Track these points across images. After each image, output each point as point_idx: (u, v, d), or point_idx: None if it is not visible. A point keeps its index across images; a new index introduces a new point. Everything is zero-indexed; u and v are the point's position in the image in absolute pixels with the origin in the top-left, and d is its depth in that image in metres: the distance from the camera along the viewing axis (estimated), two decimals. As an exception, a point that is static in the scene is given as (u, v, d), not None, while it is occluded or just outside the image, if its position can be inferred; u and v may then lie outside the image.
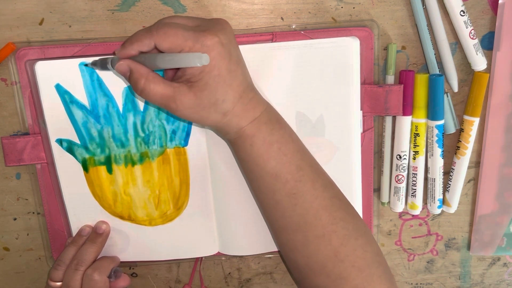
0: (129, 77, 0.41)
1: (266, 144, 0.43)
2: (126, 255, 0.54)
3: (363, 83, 0.50)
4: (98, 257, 0.52)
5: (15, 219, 0.55)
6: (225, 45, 0.39)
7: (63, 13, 0.48)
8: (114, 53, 0.44)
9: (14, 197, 0.54)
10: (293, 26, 0.49)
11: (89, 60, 0.47)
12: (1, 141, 0.51)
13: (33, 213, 0.55)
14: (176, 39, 0.38)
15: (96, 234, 0.52)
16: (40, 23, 0.48)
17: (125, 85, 0.48)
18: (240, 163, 0.46)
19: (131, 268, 0.58)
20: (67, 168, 0.50)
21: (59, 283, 0.49)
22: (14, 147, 0.50)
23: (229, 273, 0.59)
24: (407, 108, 0.50)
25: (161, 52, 0.40)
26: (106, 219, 0.53)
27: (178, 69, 0.42)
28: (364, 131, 0.52)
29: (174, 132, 0.50)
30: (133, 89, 0.41)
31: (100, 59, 0.44)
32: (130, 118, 0.49)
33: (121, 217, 0.53)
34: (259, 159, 0.43)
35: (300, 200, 0.43)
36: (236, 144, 0.44)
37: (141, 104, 0.49)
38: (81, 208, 0.52)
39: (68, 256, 0.50)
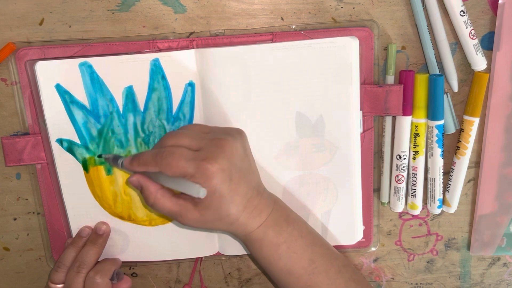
0: (140, 191, 0.44)
1: (274, 246, 0.45)
2: (126, 255, 0.54)
3: (363, 83, 0.50)
4: (100, 258, 0.52)
5: (15, 219, 0.55)
6: (226, 170, 0.41)
7: (63, 13, 0.48)
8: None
9: (14, 197, 0.54)
10: (293, 26, 0.49)
11: (89, 60, 0.47)
12: (1, 141, 0.51)
13: (33, 213, 0.55)
14: (177, 170, 0.41)
15: (97, 235, 0.51)
16: (40, 23, 0.48)
17: (126, 86, 0.48)
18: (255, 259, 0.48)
19: (131, 268, 0.58)
20: (67, 168, 0.50)
21: (60, 286, 0.49)
22: (14, 147, 0.50)
23: (229, 273, 0.59)
24: (407, 108, 0.50)
25: None
26: (106, 219, 0.53)
27: None
28: (364, 131, 0.52)
29: (174, 132, 0.50)
30: (145, 201, 0.44)
31: (113, 156, 0.47)
32: (130, 118, 0.49)
33: (121, 217, 0.53)
34: (270, 259, 0.45)
35: None
36: (246, 245, 0.46)
37: (141, 104, 0.49)
38: (81, 208, 0.52)
39: (69, 258, 0.50)
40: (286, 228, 0.45)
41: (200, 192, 0.40)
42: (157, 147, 0.44)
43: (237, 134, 0.45)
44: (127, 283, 0.52)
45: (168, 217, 0.45)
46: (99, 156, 0.50)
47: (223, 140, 0.43)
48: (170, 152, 0.42)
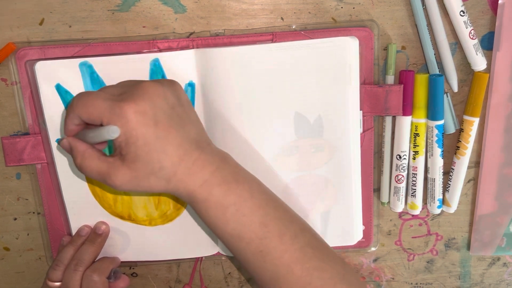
0: (70, 153, 0.41)
1: (222, 208, 0.40)
2: (126, 255, 0.54)
3: (363, 83, 0.50)
4: (98, 257, 0.52)
5: (15, 219, 0.55)
6: (147, 112, 0.38)
7: (63, 13, 0.48)
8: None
9: (14, 197, 0.54)
10: (293, 26, 0.49)
11: (89, 60, 0.47)
12: (1, 141, 0.51)
13: (33, 213, 0.55)
14: (93, 110, 0.38)
15: (96, 235, 0.52)
16: (40, 23, 0.49)
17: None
18: None
19: (131, 268, 0.58)
20: (67, 168, 0.50)
21: (57, 283, 0.49)
22: (14, 147, 0.50)
23: (229, 273, 0.59)
24: (407, 108, 0.50)
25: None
26: (106, 219, 0.53)
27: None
28: (364, 131, 0.52)
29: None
30: (74, 163, 0.41)
31: (60, 139, 0.44)
32: (130, 118, 0.49)
33: (121, 217, 0.53)
34: (217, 222, 0.41)
35: (269, 257, 0.41)
36: (192, 207, 0.42)
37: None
38: (81, 208, 0.52)
39: (67, 256, 0.50)
40: (235, 188, 0.40)
41: (110, 130, 0.36)
42: None
43: (167, 82, 0.41)
44: (124, 282, 0.52)
45: (98, 181, 0.40)
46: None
47: (147, 83, 0.39)
48: (88, 92, 0.39)
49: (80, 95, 0.39)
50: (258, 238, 0.40)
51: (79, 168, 0.40)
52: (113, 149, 0.40)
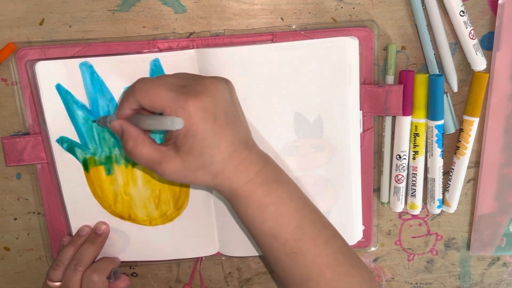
0: (120, 137, 0.41)
1: (262, 207, 0.41)
2: (126, 255, 0.54)
3: (363, 83, 0.50)
4: (98, 257, 0.52)
5: (15, 219, 0.55)
6: (208, 108, 0.39)
7: (63, 13, 0.48)
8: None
9: (14, 197, 0.54)
10: (293, 26, 0.49)
11: (89, 60, 0.47)
12: (2, 141, 0.51)
13: (34, 213, 0.55)
14: (157, 98, 0.38)
15: (96, 235, 0.52)
16: (41, 23, 0.49)
17: (126, 86, 0.48)
18: (240, 220, 0.45)
19: (131, 268, 0.58)
20: (68, 168, 0.50)
21: (57, 283, 0.49)
22: (15, 147, 0.50)
23: (229, 273, 0.59)
24: (407, 108, 0.50)
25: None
26: (106, 219, 0.53)
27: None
28: (364, 131, 0.52)
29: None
30: (123, 149, 0.41)
31: (102, 117, 0.45)
32: (130, 118, 0.49)
33: (121, 217, 0.53)
34: (255, 220, 0.42)
35: (301, 259, 0.42)
36: (232, 204, 0.43)
37: (141, 104, 0.49)
38: (82, 208, 0.52)
39: (67, 256, 0.50)
40: (275, 189, 0.42)
41: (175, 122, 0.37)
42: None
43: (224, 80, 0.42)
44: (124, 283, 0.52)
45: (147, 168, 0.41)
46: (93, 121, 0.48)
47: (208, 79, 0.41)
48: (151, 80, 0.39)
49: (144, 81, 0.40)
50: (293, 239, 0.42)
51: (129, 152, 0.41)
52: (165, 139, 0.41)
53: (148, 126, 0.40)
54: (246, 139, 0.42)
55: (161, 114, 0.40)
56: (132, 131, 0.41)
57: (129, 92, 0.40)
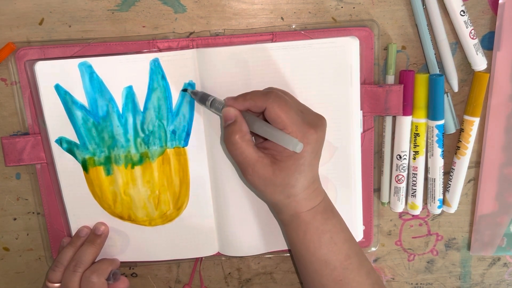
0: (228, 124, 0.43)
1: (319, 233, 0.45)
2: (126, 256, 0.54)
3: (363, 83, 0.50)
4: (98, 258, 0.52)
5: (15, 219, 0.55)
6: (319, 142, 0.43)
7: (63, 13, 0.48)
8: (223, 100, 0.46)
9: (14, 197, 0.54)
10: (293, 26, 0.49)
11: (89, 60, 0.47)
12: (1, 141, 0.51)
13: (33, 213, 0.55)
14: (286, 117, 0.41)
15: (95, 236, 0.51)
16: (40, 23, 0.48)
17: (125, 86, 0.48)
18: (290, 245, 0.47)
19: (131, 268, 0.58)
20: (67, 168, 0.50)
21: (57, 285, 0.49)
22: (14, 147, 0.50)
23: (229, 273, 0.59)
24: (407, 108, 0.50)
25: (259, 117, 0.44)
26: (106, 219, 0.53)
27: (266, 139, 0.44)
28: (364, 131, 0.52)
29: (174, 132, 0.50)
30: (225, 136, 0.43)
31: (202, 93, 0.47)
32: (130, 119, 0.49)
33: (121, 218, 0.53)
34: (310, 245, 0.45)
35: (346, 287, 0.45)
36: (289, 227, 0.46)
37: (141, 104, 0.49)
38: (81, 208, 0.52)
39: (66, 257, 0.50)
40: (332, 218, 0.45)
41: (298, 146, 0.40)
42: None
43: (325, 119, 0.45)
44: (124, 284, 0.52)
45: (237, 164, 0.43)
46: (184, 90, 0.48)
47: (322, 116, 0.45)
48: (283, 96, 0.42)
49: (279, 95, 0.42)
50: (341, 267, 0.45)
51: (232, 143, 0.42)
52: (262, 145, 0.44)
53: (264, 133, 0.42)
54: (318, 172, 0.46)
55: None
56: (243, 126, 0.43)
57: (261, 96, 0.42)
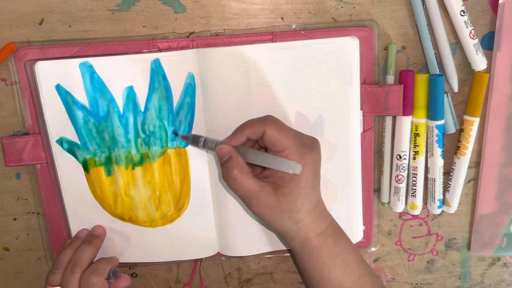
0: (224, 162, 0.43)
1: (332, 256, 0.45)
2: (127, 256, 0.54)
3: (363, 83, 0.50)
4: (96, 259, 0.52)
5: (15, 219, 0.55)
6: (317, 163, 0.43)
7: (63, 13, 0.48)
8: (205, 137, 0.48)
9: (14, 197, 0.54)
10: (293, 26, 0.49)
11: (89, 60, 0.47)
12: (1, 141, 0.50)
13: (33, 213, 0.55)
14: (285, 139, 0.42)
15: (92, 236, 0.51)
16: (40, 23, 0.48)
17: (126, 86, 0.48)
18: (303, 271, 0.47)
19: (131, 268, 0.58)
20: (68, 169, 0.50)
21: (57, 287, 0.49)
22: (14, 147, 0.50)
23: (229, 273, 0.59)
24: (407, 108, 0.50)
25: (258, 145, 0.45)
26: (107, 220, 0.52)
27: (265, 168, 0.44)
28: (364, 131, 0.52)
29: (174, 132, 0.50)
30: (223, 174, 0.43)
31: (193, 135, 0.48)
32: (131, 119, 0.49)
33: (122, 218, 0.53)
34: (324, 269, 0.45)
35: None
36: (302, 254, 0.45)
37: (141, 105, 0.49)
38: (81, 209, 0.52)
39: (65, 259, 0.50)
40: (342, 239, 0.46)
41: (296, 167, 0.40)
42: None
43: (319, 143, 0.46)
44: (125, 281, 0.52)
45: (241, 198, 0.43)
46: (175, 134, 0.49)
47: (316, 139, 0.45)
48: (281, 122, 0.43)
49: (276, 119, 0.43)
50: (356, 287, 0.45)
51: (231, 179, 0.42)
52: (263, 175, 0.44)
53: (261, 162, 0.42)
54: (321, 196, 0.46)
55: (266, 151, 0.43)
56: (239, 160, 0.42)
57: (258, 122, 0.43)
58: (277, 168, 0.41)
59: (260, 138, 0.43)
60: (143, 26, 0.49)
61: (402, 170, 0.53)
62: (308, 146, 0.43)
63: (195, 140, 0.47)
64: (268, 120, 0.43)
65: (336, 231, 0.46)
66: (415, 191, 0.54)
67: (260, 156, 0.42)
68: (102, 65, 0.47)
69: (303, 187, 0.42)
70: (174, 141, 0.50)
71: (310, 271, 0.46)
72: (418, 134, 0.51)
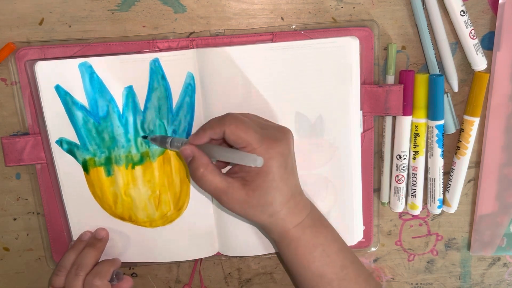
0: (189, 162, 0.43)
1: (311, 247, 0.45)
2: (127, 257, 0.54)
3: (363, 83, 0.50)
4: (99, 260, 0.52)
5: (15, 219, 0.55)
6: (285, 155, 0.43)
7: (63, 13, 0.48)
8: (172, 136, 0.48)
9: (14, 197, 0.54)
10: (293, 26, 0.49)
11: (89, 60, 0.47)
12: (1, 141, 0.50)
13: (33, 213, 0.55)
14: (245, 135, 0.41)
15: (95, 239, 0.51)
16: (40, 23, 0.48)
17: (125, 86, 0.48)
18: (285, 263, 0.47)
19: (131, 268, 0.58)
20: (68, 169, 0.50)
21: None
22: (14, 147, 0.50)
23: (229, 273, 0.59)
24: (407, 108, 0.50)
25: (225, 142, 0.44)
26: (107, 220, 0.52)
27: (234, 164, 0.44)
28: (364, 131, 0.52)
29: (174, 132, 0.50)
30: (191, 174, 0.43)
31: (160, 136, 0.48)
32: (130, 119, 0.49)
33: (122, 218, 0.53)
34: (303, 260, 0.45)
35: None
36: (281, 245, 0.45)
37: (141, 104, 0.49)
38: (81, 209, 0.52)
39: (69, 261, 0.50)
40: (322, 231, 0.46)
41: (257, 160, 0.40)
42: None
43: (290, 130, 0.46)
44: (128, 283, 0.52)
45: (211, 195, 0.43)
46: (144, 138, 0.49)
47: (285, 129, 0.45)
48: (240, 118, 0.42)
49: (234, 116, 0.43)
50: (338, 279, 0.45)
51: (198, 178, 0.43)
52: (232, 171, 0.44)
53: (225, 158, 0.42)
54: (299, 185, 0.46)
55: (234, 148, 0.43)
56: (203, 159, 0.43)
57: (219, 122, 0.42)
58: (240, 163, 0.41)
59: (222, 137, 0.43)
60: (143, 26, 0.49)
61: (402, 170, 0.53)
62: (275, 138, 0.43)
63: (163, 141, 0.47)
64: (226, 119, 0.42)
65: (316, 222, 0.46)
66: (415, 191, 0.54)
67: (224, 153, 0.42)
68: (102, 65, 0.47)
69: (271, 180, 0.42)
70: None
71: (291, 263, 0.46)
72: (418, 134, 0.51)
